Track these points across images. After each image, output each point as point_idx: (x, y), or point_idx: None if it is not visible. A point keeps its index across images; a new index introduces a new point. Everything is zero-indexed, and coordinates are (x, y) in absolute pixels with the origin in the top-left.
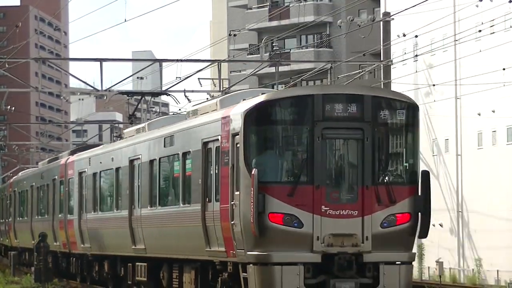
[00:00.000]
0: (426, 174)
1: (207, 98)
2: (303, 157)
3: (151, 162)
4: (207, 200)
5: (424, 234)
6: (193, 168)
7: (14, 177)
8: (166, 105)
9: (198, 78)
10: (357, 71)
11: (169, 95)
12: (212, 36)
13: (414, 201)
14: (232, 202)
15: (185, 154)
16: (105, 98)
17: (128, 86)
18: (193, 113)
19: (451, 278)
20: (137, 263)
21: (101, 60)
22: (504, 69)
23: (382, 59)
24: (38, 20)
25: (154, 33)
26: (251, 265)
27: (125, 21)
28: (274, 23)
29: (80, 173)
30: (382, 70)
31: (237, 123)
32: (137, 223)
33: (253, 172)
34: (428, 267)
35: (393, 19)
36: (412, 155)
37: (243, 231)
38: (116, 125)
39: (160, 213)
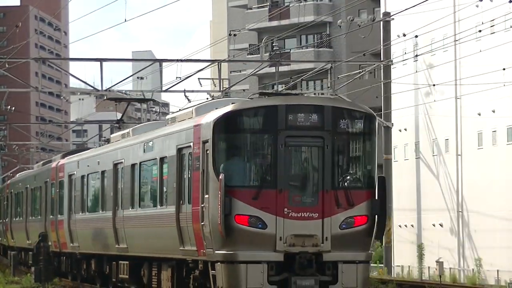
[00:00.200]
0: (382, 179)
1: (207, 98)
2: (267, 163)
3: (133, 166)
4: (181, 203)
5: (380, 235)
6: (169, 172)
7: (11, 179)
8: (166, 105)
9: (198, 78)
10: (357, 71)
11: (155, 101)
12: (212, 36)
13: (371, 205)
14: (202, 205)
15: (162, 159)
16: (105, 97)
17: (128, 86)
18: (172, 120)
19: (451, 278)
20: (120, 262)
21: (101, 60)
22: (504, 69)
23: (382, 59)
24: (38, 20)
25: (154, 33)
26: (219, 263)
27: (125, 21)
28: (274, 23)
29: (70, 176)
30: (382, 70)
31: (207, 131)
32: (120, 224)
33: (220, 177)
34: (428, 267)
35: (393, 19)
36: (369, 162)
37: (211, 232)
38: (116, 125)
39: (140, 214)
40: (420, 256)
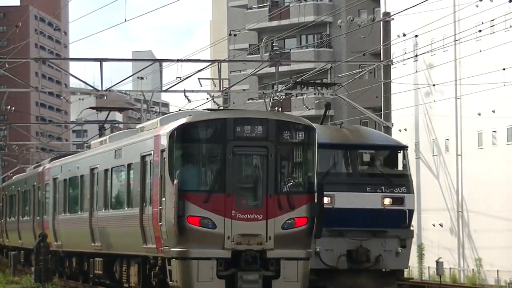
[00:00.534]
0: (321, 185)
1: (207, 98)
2: (217, 170)
3: (106, 171)
4: (144, 205)
5: (318, 235)
6: (135, 177)
7: (6, 182)
8: (166, 105)
9: (198, 78)
10: (357, 71)
11: (134, 110)
12: (212, 36)
13: (311, 207)
14: (160, 207)
15: (129, 165)
16: (105, 98)
17: (128, 86)
18: (141, 129)
19: (451, 278)
20: (96, 259)
21: (101, 60)
22: (504, 69)
23: (382, 59)
24: (38, 20)
25: (154, 33)
26: (174, 259)
27: (125, 21)
28: (274, 23)
29: (54, 179)
30: (382, 70)
31: (164, 141)
32: (95, 224)
33: (175, 182)
34: (428, 267)
35: (393, 19)
36: (309, 169)
37: (167, 231)
38: (116, 125)
39: (111, 215)
40: (420, 256)
